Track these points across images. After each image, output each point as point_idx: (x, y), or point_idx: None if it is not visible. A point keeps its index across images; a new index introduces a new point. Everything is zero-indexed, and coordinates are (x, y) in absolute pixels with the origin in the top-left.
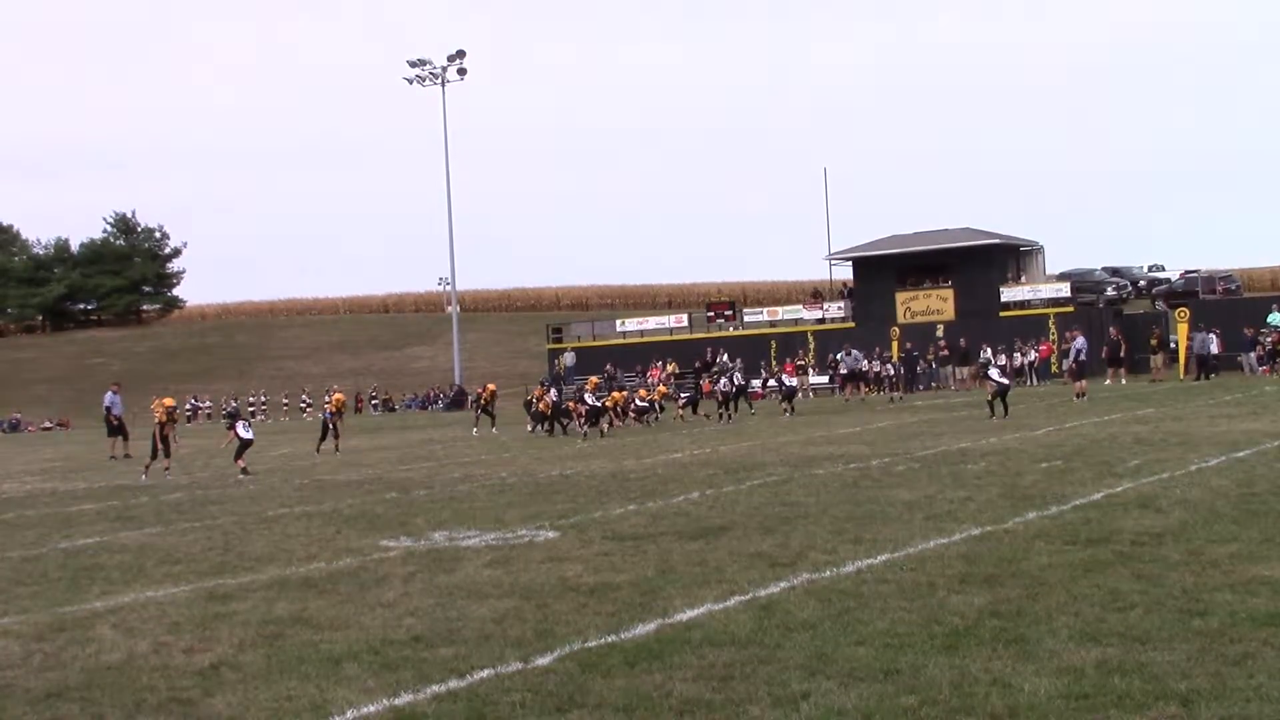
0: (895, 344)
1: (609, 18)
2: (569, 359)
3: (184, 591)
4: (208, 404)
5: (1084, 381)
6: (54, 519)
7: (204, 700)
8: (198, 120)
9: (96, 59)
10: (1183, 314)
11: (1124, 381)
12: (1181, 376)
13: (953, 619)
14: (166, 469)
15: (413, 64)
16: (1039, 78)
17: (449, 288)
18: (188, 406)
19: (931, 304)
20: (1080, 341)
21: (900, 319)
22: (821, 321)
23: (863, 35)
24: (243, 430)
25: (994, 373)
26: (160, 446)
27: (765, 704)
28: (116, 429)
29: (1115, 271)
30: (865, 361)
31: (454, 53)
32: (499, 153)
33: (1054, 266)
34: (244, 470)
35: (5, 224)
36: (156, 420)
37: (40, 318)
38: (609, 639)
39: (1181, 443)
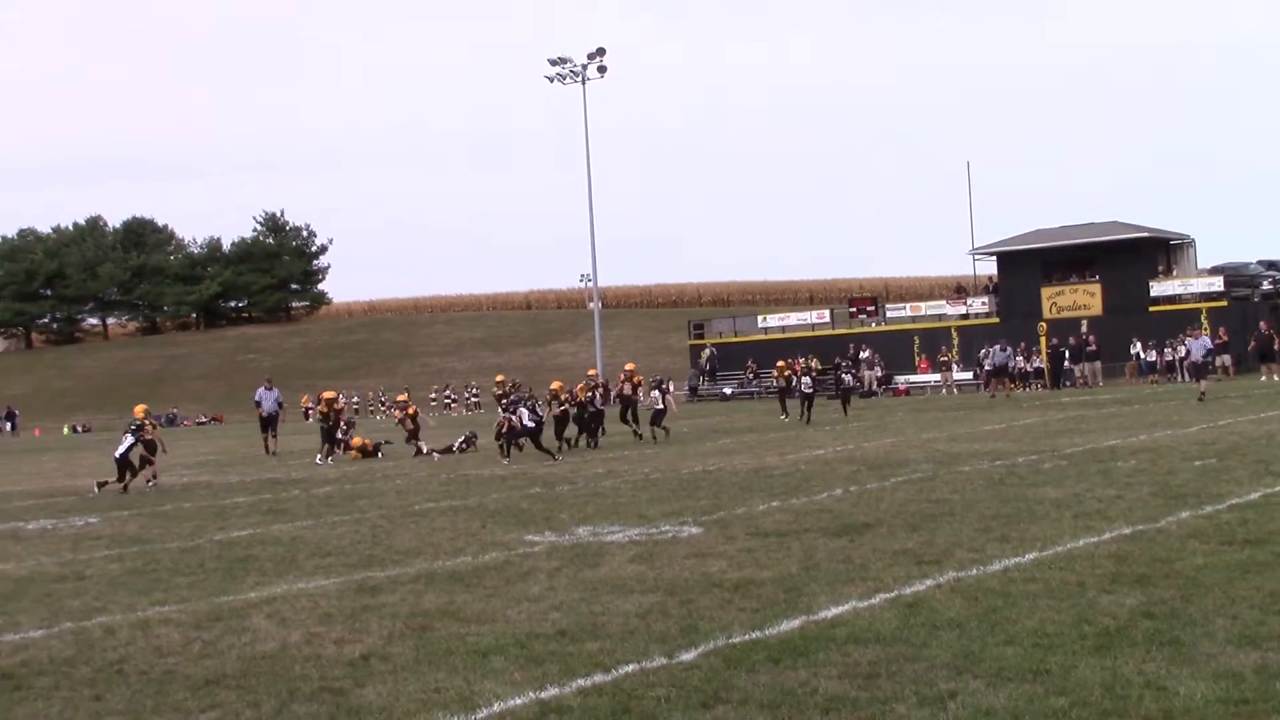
0: (1043, 339)
1: (749, 13)
2: (710, 354)
3: (334, 583)
4: (355, 400)
5: (1204, 381)
6: (209, 511)
7: (354, 690)
8: (344, 120)
9: (245, 62)
10: None
11: (1278, 378)
12: None
13: (1104, 619)
14: (329, 458)
15: (553, 62)
16: (1189, 69)
17: (591, 284)
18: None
19: (1078, 299)
20: (1200, 340)
21: (1046, 314)
22: (965, 317)
23: (1007, 27)
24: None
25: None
26: (329, 436)
27: (911, 703)
28: (267, 424)
29: (1271, 265)
30: (1014, 357)
31: (594, 50)
32: (640, 149)
33: (1206, 260)
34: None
35: (161, 224)
36: (319, 413)
37: (194, 315)
38: (753, 635)
39: None
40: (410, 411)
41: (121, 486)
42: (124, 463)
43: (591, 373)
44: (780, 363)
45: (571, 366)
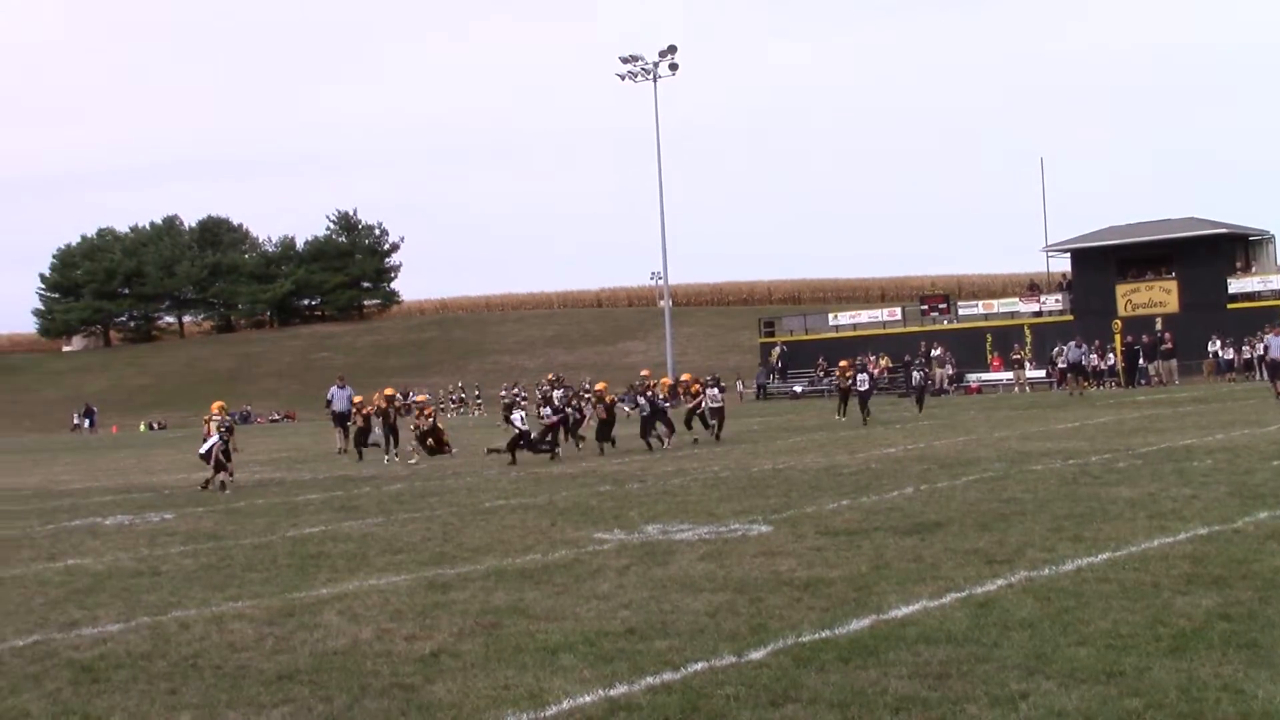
0: (1118, 337)
1: (821, 8)
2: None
3: (405, 580)
4: (427, 397)
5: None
6: (282, 508)
7: (425, 687)
8: (416, 119)
9: (321, 62)
10: None
11: None
12: None
13: (1179, 621)
14: (394, 457)
15: (625, 60)
16: (1267, 63)
17: (661, 282)
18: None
19: (1154, 296)
20: (1275, 338)
21: (1121, 311)
22: (1038, 314)
23: (1082, 21)
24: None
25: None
26: (391, 434)
27: (983, 703)
28: (339, 421)
29: None
30: (1089, 355)
31: (665, 48)
32: (711, 146)
33: None
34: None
35: (236, 223)
36: (377, 409)
37: (268, 313)
38: (823, 634)
39: None
40: (427, 413)
41: (206, 483)
42: (212, 458)
43: (645, 373)
44: (843, 362)
45: (642, 364)
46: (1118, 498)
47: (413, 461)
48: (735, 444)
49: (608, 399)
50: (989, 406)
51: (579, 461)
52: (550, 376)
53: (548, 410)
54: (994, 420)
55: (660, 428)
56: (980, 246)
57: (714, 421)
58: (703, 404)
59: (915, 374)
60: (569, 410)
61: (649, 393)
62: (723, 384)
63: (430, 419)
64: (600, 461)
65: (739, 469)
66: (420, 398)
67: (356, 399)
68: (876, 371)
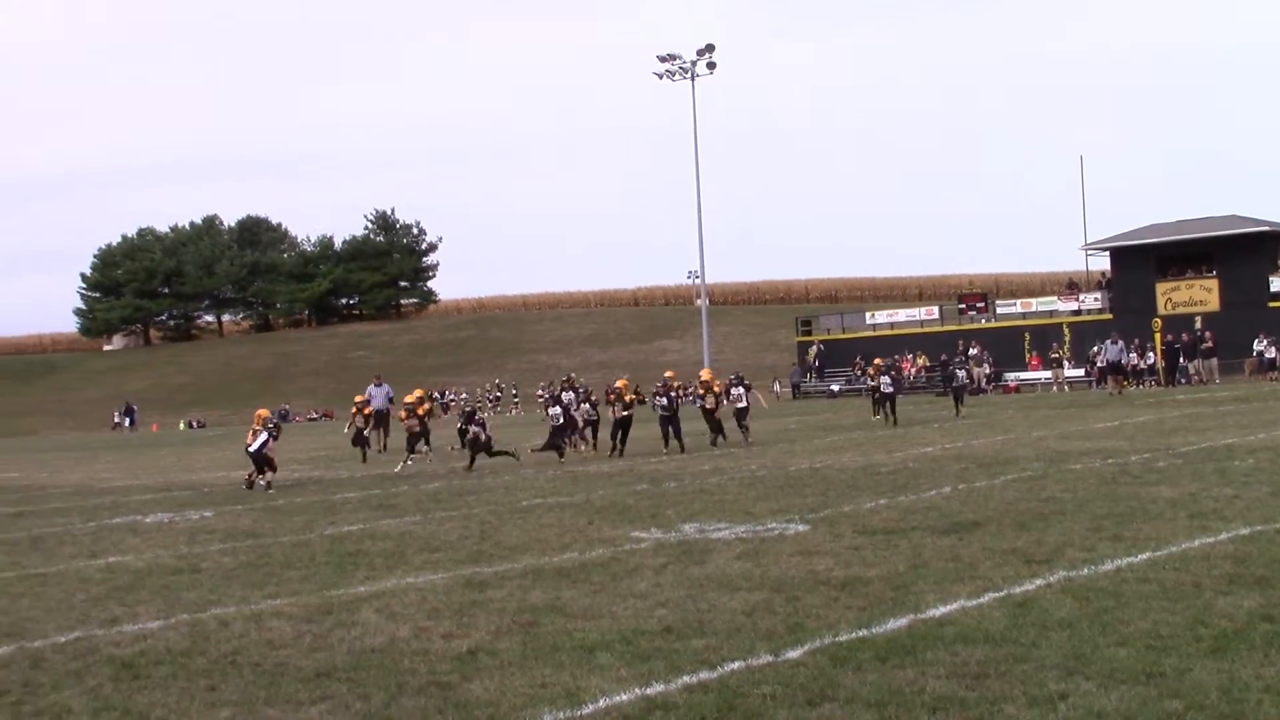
0: (1157, 336)
1: (858, 6)
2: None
3: (442, 579)
4: (464, 396)
5: None
6: (320, 506)
7: (462, 685)
8: (453, 119)
9: (358, 62)
10: None
11: None
12: None
13: (1220, 622)
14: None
15: (662, 59)
16: None
17: (698, 281)
18: (434, 396)
19: (1194, 294)
20: None
21: (1161, 310)
22: (1077, 313)
23: (1121, 20)
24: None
25: None
26: (420, 434)
27: (1021, 703)
28: (378, 421)
29: None
30: (1128, 354)
31: (703, 47)
32: (748, 145)
33: None
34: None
35: (275, 223)
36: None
37: (306, 312)
38: (860, 633)
39: None
40: (420, 412)
41: (251, 480)
42: (260, 458)
43: (668, 374)
44: (877, 360)
45: (679, 363)
46: (1158, 497)
47: (453, 450)
48: (771, 444)
49: (627, 397)
50: (1027, 406)
51: (601, 463)
52: (563, 378)
53: (556, 410)
54: (1032, 419)
55: (711, 434)
56: (1019, 245)
57: (746, 423)
58: (718, 404)
59: (959, 372)
60: (586, 409)
61: (671, 393)
62: (748, 382)
63: (422, 416)
64: (636, 460)
65: (776, 468)
66: (415, 395)
67: (419, 392)
68: (910, 371)
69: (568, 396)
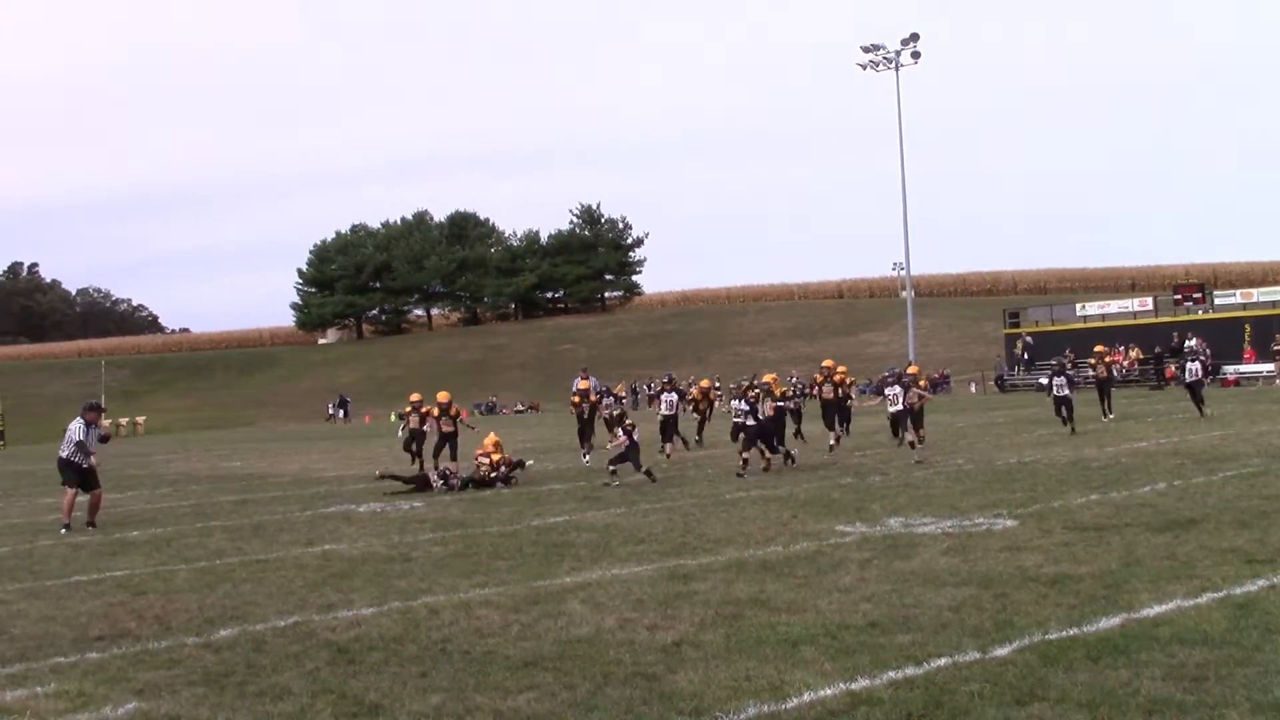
0: None
1: None
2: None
3: (647, 570)
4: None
5: None
6: (526, 497)
7: (667, 676)
8: (659, 114)
9: (566, 60)
10: None
11: None
12: None
13: None
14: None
15: (866, 49)
16: None
17: (903, 272)
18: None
19: None
20: None
21: None
22: None
23: None
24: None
25: None
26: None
27: (1244, 709)
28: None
29: None
30: None
31: (908, 36)
32: (954, 134)
33: None
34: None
35: (483, 218)
36: (571, 405)
37: (513, 306)
38: (1071, 632)
39: None
40: (425, 412)
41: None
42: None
43: (768, 378)
44: (1099, 347)
45: (885, 356)
46: None
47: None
48: (978, 438)
49: (697, 395)
50: (1248, 400)
51: (809, 455)
52: (663, 378)
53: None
54: (1252, 414)
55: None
56: (1239, 233)
57: (922, 431)
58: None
59: (1192, 365)
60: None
61: (750, 395)
62: (906, 380)
63: (425, 417)
64: (840, 454)
65: (982, 462)
66: (414, 397)
67: (583, 385)
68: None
69: (668, 398)
